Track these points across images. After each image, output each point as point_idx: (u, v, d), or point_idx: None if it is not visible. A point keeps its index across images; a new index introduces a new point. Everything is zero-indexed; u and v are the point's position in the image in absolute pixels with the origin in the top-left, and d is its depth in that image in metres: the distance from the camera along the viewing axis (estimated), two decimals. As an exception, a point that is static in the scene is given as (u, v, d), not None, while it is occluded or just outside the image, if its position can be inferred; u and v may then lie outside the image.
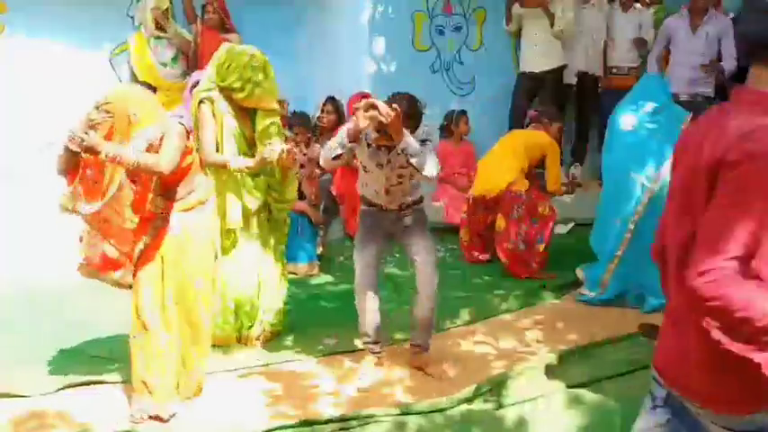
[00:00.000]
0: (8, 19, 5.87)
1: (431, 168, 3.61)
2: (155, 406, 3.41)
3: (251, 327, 4.24)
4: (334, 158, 3.63)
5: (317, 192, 5.88)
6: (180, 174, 3.37)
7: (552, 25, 6.84)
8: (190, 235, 3.42)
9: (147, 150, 3.24)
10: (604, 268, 4.94)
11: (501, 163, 5.53)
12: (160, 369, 3.41)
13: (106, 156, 3.09)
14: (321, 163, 3.82)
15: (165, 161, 3.22)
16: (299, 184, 5.82)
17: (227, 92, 4.00)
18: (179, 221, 3.42)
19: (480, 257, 5.82)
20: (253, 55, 4.02)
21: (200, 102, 4.01)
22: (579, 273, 5.28)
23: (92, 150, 3.08)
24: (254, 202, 4.11)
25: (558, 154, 5.61)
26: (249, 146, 4.08)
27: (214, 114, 3.99)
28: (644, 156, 4.78)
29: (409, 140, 3.52)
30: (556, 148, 5.58)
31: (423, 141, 3.71)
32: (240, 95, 3.98)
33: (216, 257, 3.65)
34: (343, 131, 3.64)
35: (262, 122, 4.05)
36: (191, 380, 3.55)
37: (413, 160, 3.52)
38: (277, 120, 4.14)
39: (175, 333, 3.46)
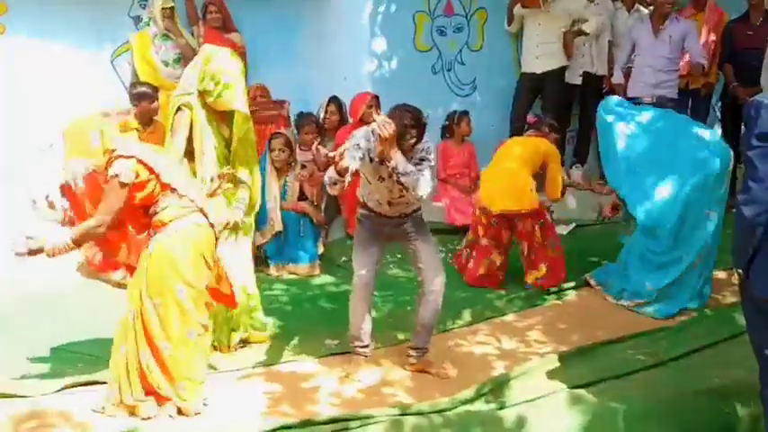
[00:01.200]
0: (8, 20, 5.87)
1: (423, 188, 3.67)
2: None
3: (231, 333, 4.18)
4: (334, 185, 3.59)
5: (319, 192, 5.87)
6: (141, 203, 3.42)
7: (586, 33, 6.92)
8: (153, 253, 3.41)
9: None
10: (687, 263, 4.85)
11: (519, 177, 5.22)
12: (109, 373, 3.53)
13: (50, 252, 3.26)
14: (327, 190, 3.73)
15: (97, 221, 3.32)
16: (300, 185, 5.82)
17: (202, 96, 3.94)
18: (151, 240, 3.46)
19: (501, 277, 5.37)
20: (225, 57, 3.98)
21: (179, 108, 3.94)
22: (591, 279, 5.32)
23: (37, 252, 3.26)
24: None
25: (559, 161, 5.54)
26: (228, 152, 4.05)
27: (193, 122, 3.92)
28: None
29: (398, 159, 3.56)
30: (557, 156, 5.51)
31: (420, 160, 3.70)
32: (210, 99, 3.91)
33: (183, 280, 3.42)
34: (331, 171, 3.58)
35: (240, 129, 4.00)
36: (158, 397, 3.47)
37: (402, 179, 3.59)
38: (251, 125, 4.10)
39: (131, 345, 3.44)
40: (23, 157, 5.66)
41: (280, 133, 5.74)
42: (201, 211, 3.49)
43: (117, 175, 3.31)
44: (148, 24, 6.20)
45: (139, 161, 3.37)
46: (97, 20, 6.09)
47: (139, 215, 3.49)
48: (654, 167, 4.91)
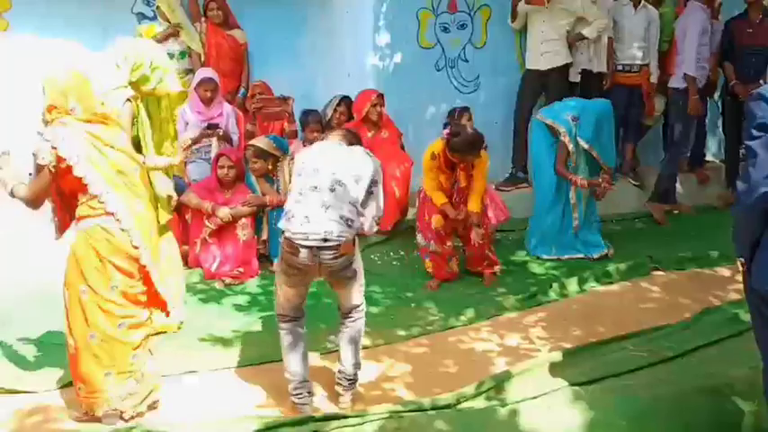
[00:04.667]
0: (12, 16, 5.88)
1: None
2: None
3: None
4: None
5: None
6: (70, 192, 3.41)
7: (586, 37, 6.93)
8: (70, 245, 3.41)
9: None
10: None
11: None
12: None
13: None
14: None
15: (25, 194, 3.39)
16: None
17: (136, 86, 3.91)
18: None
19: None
20: (152, 44, 4.00)
21: (127, 100, 3.89)
22: None
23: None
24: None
25: None
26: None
27: (136, 113, 3.91)
28: None
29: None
30: None
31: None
32: (148, 85, 3.88)
33: (86, 283, 3.35)
34: None
35: (173, 109, 4.12)
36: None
37: None
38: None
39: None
40: (24, 156, 5.67)
41: (251, 145, 5.56)
42: (114, 215, 3.31)
43: (35, 155, 3.31)
44: (155, 17, 6.24)
45: (54, 148, 3.28)
46: (100, 16, 6.11)
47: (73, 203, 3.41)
48: None
